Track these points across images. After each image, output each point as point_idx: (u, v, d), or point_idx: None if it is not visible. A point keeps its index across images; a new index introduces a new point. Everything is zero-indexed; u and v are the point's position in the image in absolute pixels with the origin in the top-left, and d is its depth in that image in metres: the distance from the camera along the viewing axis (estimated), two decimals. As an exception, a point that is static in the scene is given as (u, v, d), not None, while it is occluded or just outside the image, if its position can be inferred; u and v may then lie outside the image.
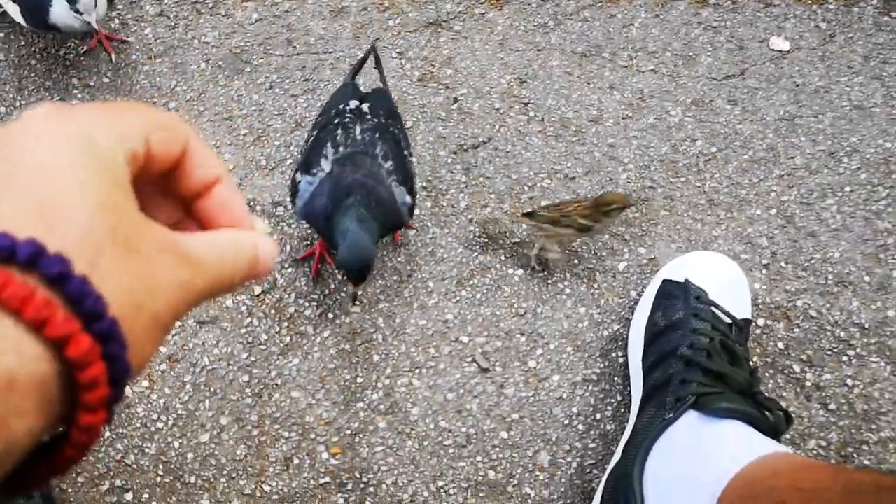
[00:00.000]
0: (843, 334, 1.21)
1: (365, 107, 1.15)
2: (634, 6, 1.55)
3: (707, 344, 0.99)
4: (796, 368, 1.18)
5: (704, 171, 1.36)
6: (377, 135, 1.10)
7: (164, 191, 0.41)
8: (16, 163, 0.31)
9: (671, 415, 0.94)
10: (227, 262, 0.37)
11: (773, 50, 1.51)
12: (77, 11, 1.20)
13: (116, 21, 1.43)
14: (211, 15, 1.44)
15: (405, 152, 1.13)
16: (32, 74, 1.38)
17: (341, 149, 1.07)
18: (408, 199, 1.09)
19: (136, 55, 1.40)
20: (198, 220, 0.42)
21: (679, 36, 1.52)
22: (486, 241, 1.26)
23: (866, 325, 1.22)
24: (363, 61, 1.27)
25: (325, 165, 1.06)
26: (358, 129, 1.10)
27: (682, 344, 1.01)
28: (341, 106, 1.15)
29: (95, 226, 0.31)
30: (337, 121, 1.12)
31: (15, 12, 1.26)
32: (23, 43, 1.41)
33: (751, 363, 1.04)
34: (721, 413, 0.91)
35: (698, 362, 0.97)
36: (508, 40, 1.48)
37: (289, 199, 1.13)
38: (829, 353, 1.19)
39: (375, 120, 1.12)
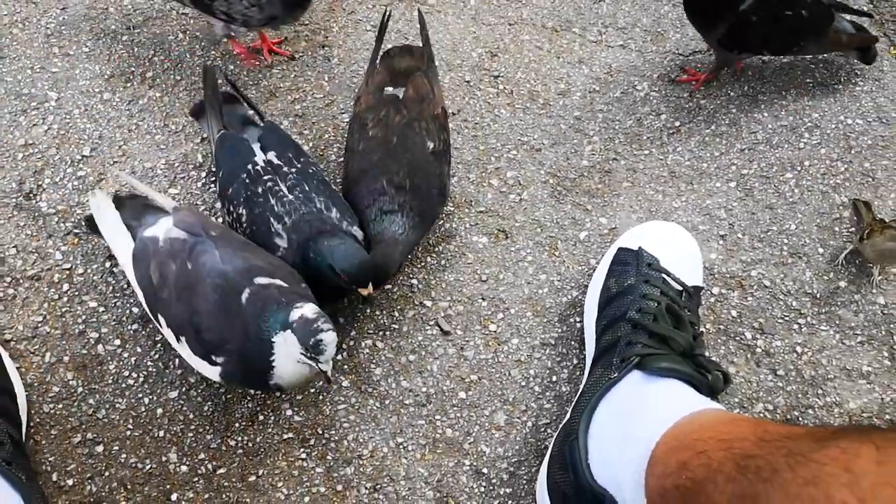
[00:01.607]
0: (794, 303, 1.25)
1: (272, 157, 1.13)
2: (606, -17, 1.58)
3: (654, 308, 1.03)
4: (748, 335, 1.22)
5: (667, 144, 1.40)
6: (306, 187, 1.11)
7: None
8: None
9: (616, 374, 0.98)
10: None
11: (740, 27, 1.54)
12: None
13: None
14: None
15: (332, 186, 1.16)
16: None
17: (286, 219, 1.08)
18: (360, 233, 1.12)
19: (115, 25, 1.42)
20: None
21: (649, 12, 1.55)
22: (453, 208, 1.30)
23: (818, 295, 1.26)
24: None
25: (282, 242, 1.09)
26: (284, 189, 1.10)
27: (631, 308, 1.05)
28: (249, 167, 1.12)
29: None
30: (260, 189, 1.10)
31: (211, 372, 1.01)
32: (4, 11, 1.44)
33: (698, 328, 1.08)
34: (661, 372, 0.95)
35: (644, 325, 1.02)
36: (481, 14, 1.51)
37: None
38: (780, 321, 1.24)
39: (293, 169, 1.12)
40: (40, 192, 1.26)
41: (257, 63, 1.41)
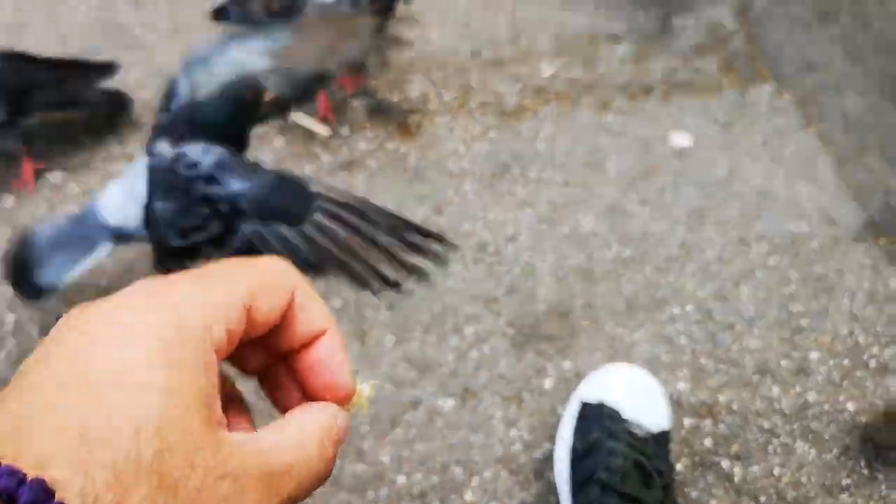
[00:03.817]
0: (766, 424, 1.24)
1: None
2: (539, 120, 1.63)
3: (621, 465, 1.03)
4: (725, 465, 1.21)
5: (621, 276, 1.41)
6: None
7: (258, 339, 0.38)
8: (88, 361, 0.30)
9: (593, 543, 0.97)
10: (298, 469, 0.35)
11: (675, 146, 1.58)
12: None
13: None
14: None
15: None
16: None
17: None
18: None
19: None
20: (292, 371, 0.40)
21: (585, 144, 1.59)
22: (415, 375, 1.30)
23: (787, 412, 1.25)
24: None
25: None
26: None
27: (598, 467, 1.04)
28: None
29: (136, 455, 0.28)
30: None
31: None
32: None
33: (669, 476, 1.07)
34: (635, 538, 0.94)
35: (613, 486, 1.01)
36: (421, 171, 1.55)
37: None
38: (755, 444, 1.23)
39: None
40: None
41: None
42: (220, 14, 1.60)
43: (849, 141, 1.60)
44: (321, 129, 1.58)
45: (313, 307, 0.38)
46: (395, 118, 1.62)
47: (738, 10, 1.83)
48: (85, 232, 1.13)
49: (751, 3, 1.84)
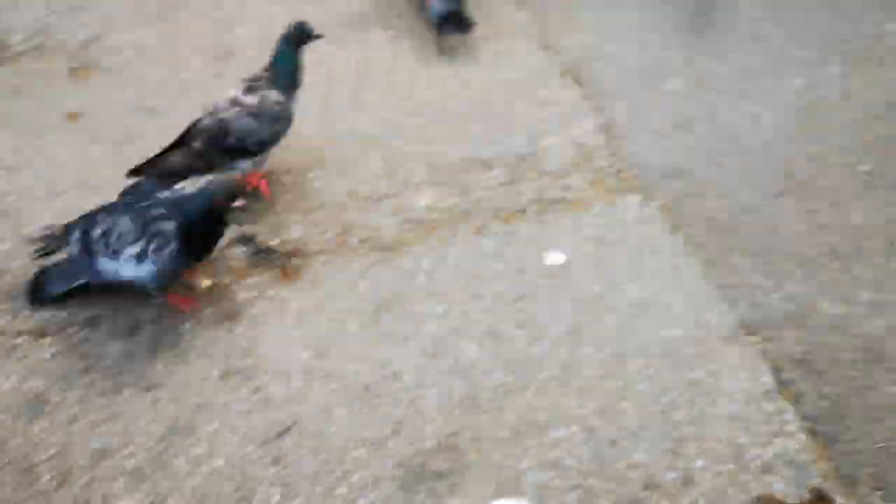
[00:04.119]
0: (658, 541, 1.25)
1: None
2: (418, 251, 1.66)
3: None
4: (621, 590, 1.20)
5: (505, 403, 1.42)
6: None
7: None
8: None
9: None
10: None
11: (550, 265, 1.63)
12: None
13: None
14: (6, 360, 1.47)
15: None
16: None
17: None
18: None
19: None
20: None
21: (463, 272, 1.62)
22: (305, 530, 1.27)
23: (682, 526, 1.26)
24: None
25: None
26: None
27: None
28: None
29: None
30: None
31: None
32: None
33: None
34: None
35: None
36: (304, 315, 1.55)
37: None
38: (648, 564, 1.23)
39: None
40: None
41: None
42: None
43: (714, 243, 1.67)
44: (201, 282, 1.58)
45: None
46: (276, 263, 1.63)
47: (602, 127, 1.92)
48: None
49: (613, 119, 1.94)
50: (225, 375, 1.46)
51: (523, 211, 1.74)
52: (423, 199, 1.76)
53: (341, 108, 1.98)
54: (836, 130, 1.89)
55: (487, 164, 1.83)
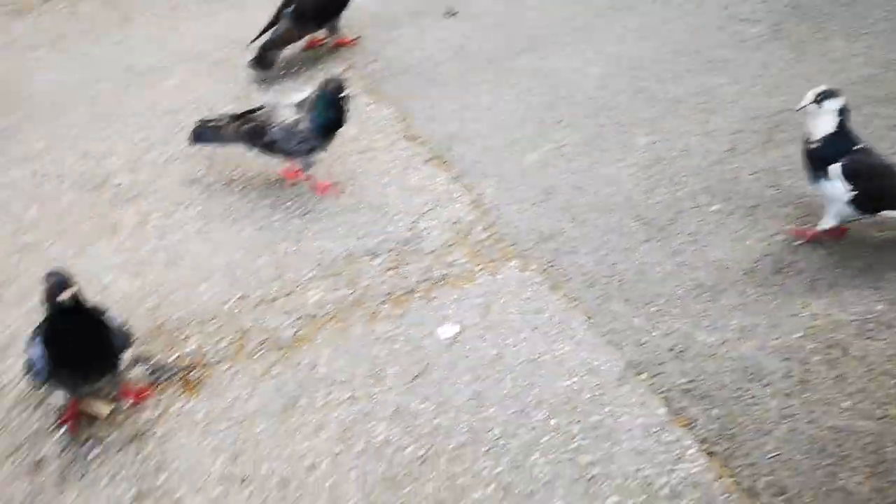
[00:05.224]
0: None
1: None
2: (316, 346, 1.70)
3: None
4: None
5: (422, 475, 1.46)
6: None
7: None
8: None
9: None
10: None
11: (443, 339, 1.70)
12: None
13: None
14: None
15: None
16: None
17: None
18: None
19: None
20: None
21: (362, 357, 1.67)
22: None
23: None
24: None
25: None
26: None
27: None
28: None
29: None
30: None
31: None
32: None
33: None
34: None
35: None
36: (211, 423, 1.56)
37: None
38: None
39: None
40: None
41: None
42: (198, 136, 2.09)
43: (592, 294, 1.78)
44: (102, 409, 1.57)
45: None
46: (176, 378, 1.64)
47: (474, 203, 2.04)
48: None
49: (483, 195, 2.06)
50: (138, 497, 1.44)
51: (412, 291, 1.81)
52: (315, 295, 1.81)
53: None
54: (684, 178, 2.06)
55: (372, 253, 1.91)
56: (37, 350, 1.41)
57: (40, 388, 1.50)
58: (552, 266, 1.86)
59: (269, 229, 1.98)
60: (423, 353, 1.67)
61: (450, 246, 1.92)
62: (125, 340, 1.51)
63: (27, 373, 1.47)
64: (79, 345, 1.41)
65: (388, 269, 1.87)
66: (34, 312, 1.77)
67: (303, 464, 1.49)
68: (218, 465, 1.49)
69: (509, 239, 1.94)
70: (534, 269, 1.86)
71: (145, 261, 1.90)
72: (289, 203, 2.06)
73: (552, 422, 1.53)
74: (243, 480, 1.47)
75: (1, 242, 1.97)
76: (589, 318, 1.73)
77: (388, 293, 1.81)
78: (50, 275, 1.33)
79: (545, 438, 1.50)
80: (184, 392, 1.62)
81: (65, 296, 1.31)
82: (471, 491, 1.43)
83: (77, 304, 1.36)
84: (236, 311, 1.78)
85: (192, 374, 1.65)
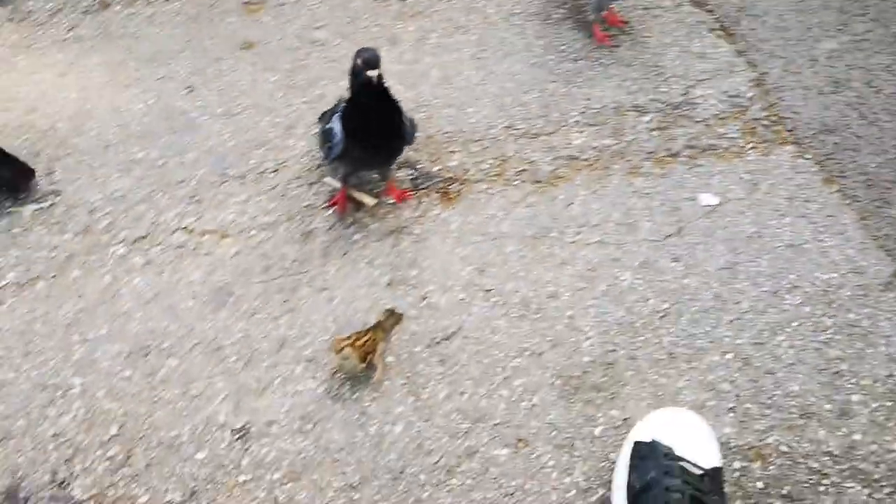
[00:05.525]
0: (815, 465, 1.28)
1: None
2: (574, 186, 1.71)
3: (679, 500, 1.06)
4: (778, 505, 1.24)
5: (661, 328, 1.46)
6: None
7: None
8: None
9: (656, 574, 1.00)
10: None
11: (704, 206, 1.66)
12: None
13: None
14: (193, 257, 1.59)
15: None
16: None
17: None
18: None
19: (129, 305, 1.53)
20: None
21: (617, 206, 1.67)
22: (469, 425, 1.35)
23: (836, 453, 1.29)
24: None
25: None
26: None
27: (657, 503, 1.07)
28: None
29: None
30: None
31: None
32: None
33: (726, 511, 1.10)
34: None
35: (673, 520, 1.04)
36: (464, 235, 1.62)
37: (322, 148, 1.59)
38: (806, 485, 1.26)
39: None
40: (73, 479, 1.30)
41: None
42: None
43: (869, 196, 1.67)
44: (368, 200, 1.67)
45: None
46: (437, 187, 1.71)
47: (755, 81, 1.93)
48: None
49: (766, 74, 1.94)
50: (391, 284, 1.54)
51: (676, 155, 1.77)
52: (578, 139, 1.81)
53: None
54: None
55: (641, 109, 1.87)
56: (336, 125, 1.49)
57: (329, 162, 1.60)
58: (830, 159, 1.75)
59: (541, 67, 1.98)
60: (679, 215, 1.64)
61: (723, 118, 1.85)
62: (412, 135, 1.57)
63: (323, 144, 1.58)
64: (376, 124, 1.47)
65: (655, 129, 1.82)
66: (318, 100, 1.89)
67: (546, 290, 1.53)
68: (466, 273, 1.56)
69: (788, 123, 1.83)
70: (809, 158, 1.75)
71: (421, 74, 1.95)
72: (563, 47, 2.03)
73: (805, 309, 1.48)
74: (488, 291, 1.53)
75: (292, 37, 2.09)
76: (862, 218, 1.63)
77: (652, 152, 1.77)
78: (362, 51, 1.38)
79: (795, 323, 1.46)
80: (441, 202, 1.69)
81: (373, 73, 1.37)
82: (708, 353, 1.42)
83: (381, 84, 1.42)
84: (501, 137, 1.81)
85: (451, 186, 1.71)
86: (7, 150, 1.68)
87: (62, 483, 1.30)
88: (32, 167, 1.72)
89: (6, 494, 1.28)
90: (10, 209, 1.68)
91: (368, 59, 1.36)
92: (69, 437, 1.35)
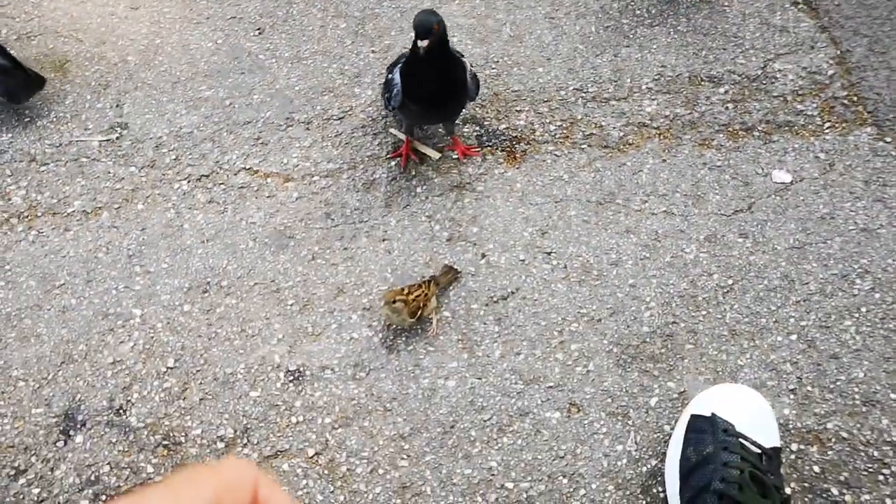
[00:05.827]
0: (876, 453, 1.25)
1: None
2: (642, 153, 1.67)
3: (738, 476, 1.04)
4: (834, 491, 1.21)
5: (723, 303, 1.43)
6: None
7: None
8: None
9: (710, 549, 0.98)
10: None
11: (776, 182, 1.61)
12: None
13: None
14: (256, 198, 1.59)
15: None
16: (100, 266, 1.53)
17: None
18: None
19: (191, 240, 1.54)
20: None
21: (686, 177, 1.63)
22: (523, 386, 1.34)
23: (898, 443, 1.25)
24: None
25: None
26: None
27: (714, 478, 1.06)
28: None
29: None
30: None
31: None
32: (88, 236, 1.56)
33: (783, 491, 1.08)
34: (756, 544, 0.95)
35: (731, 496, 1.02)
36: (528, 195, 1.60)
37: (383, 97, 1.56)
38: (864, 473, 1.23)
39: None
40: (129, 407, 1.32)
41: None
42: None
43: (952, 186, 1.61)
44: (432, 153, 1.65)
45: (276, 498, 0.41)
46: (503, 145, 1.68)
47: (836, 58, 1.87)
48: None
49: (849, 52, 1.88)
50: (451, 239, 1.53)
51: (750, 129, 1.72)
52: (649, 106, 1.76)
53: (570, 11, 1.99)
54: None
55: (716, 80, 1.82)
56: (396, 76, 1.47)
57: (391, 110, 1.58)
58: (911, 144, 1.69)
59: (616, 31, 1.93)
60: (749, 191, 1.60)
61: (801, 94, 1.79)
62: (475, 91, 1.55)
63: (383, 94, 1.56)
64: (434, 84, 1.44)
65: (730, 102, 1.77)
66: (387, 50, 1.87)
67: (608, 257, 1.51)
68: (527, 233, 1.54)
69: (869, 104, 1.77)
70: (889, 141, 1.69)
71: (492, 30, 1.92)
72: (639, 11, 1.98)
73: (876, 295, 1.43)
74: (549, 254, 1.51)
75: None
76: (942, 207, 1.57)
77: (725, 124, 1.73)
78: (418, 14, 1.34)
79: (863, 309, 1.42)
80: (506, 160, 1.66)
81: (423, 43, 1.33)
82: (771, 333, 1.39)
83: (440, 43, 1.38)
84: (570, 99, 1.77)
85: (517, 146, 1.68)
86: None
87: (119, 410, 1.32)
88: (44, 77, 1.75)
89: (64, 416, 1.31)
90: (79, 139, 1.70)
91: (418, 28, 1.33)
92: (127, 365, 1.37)
